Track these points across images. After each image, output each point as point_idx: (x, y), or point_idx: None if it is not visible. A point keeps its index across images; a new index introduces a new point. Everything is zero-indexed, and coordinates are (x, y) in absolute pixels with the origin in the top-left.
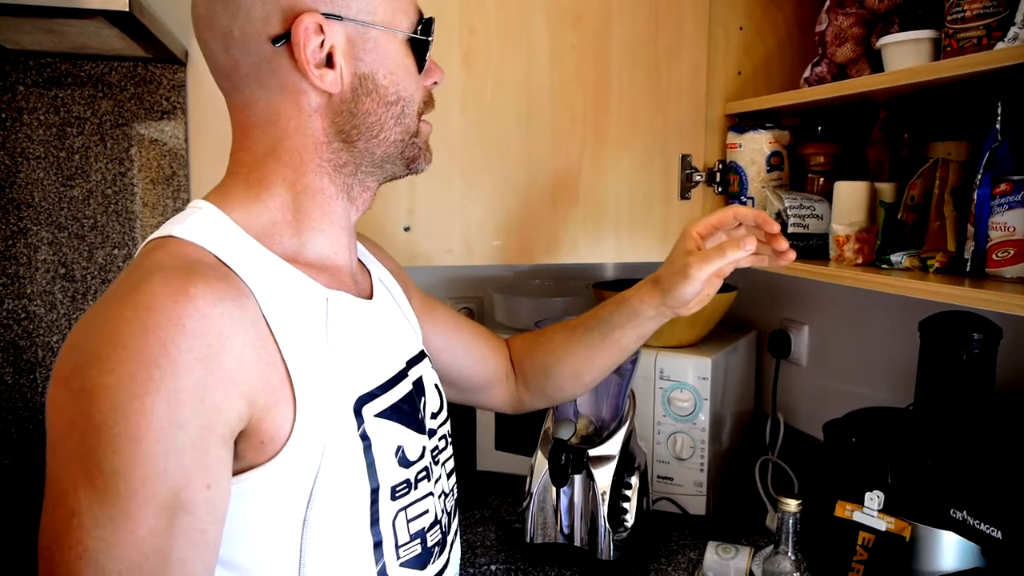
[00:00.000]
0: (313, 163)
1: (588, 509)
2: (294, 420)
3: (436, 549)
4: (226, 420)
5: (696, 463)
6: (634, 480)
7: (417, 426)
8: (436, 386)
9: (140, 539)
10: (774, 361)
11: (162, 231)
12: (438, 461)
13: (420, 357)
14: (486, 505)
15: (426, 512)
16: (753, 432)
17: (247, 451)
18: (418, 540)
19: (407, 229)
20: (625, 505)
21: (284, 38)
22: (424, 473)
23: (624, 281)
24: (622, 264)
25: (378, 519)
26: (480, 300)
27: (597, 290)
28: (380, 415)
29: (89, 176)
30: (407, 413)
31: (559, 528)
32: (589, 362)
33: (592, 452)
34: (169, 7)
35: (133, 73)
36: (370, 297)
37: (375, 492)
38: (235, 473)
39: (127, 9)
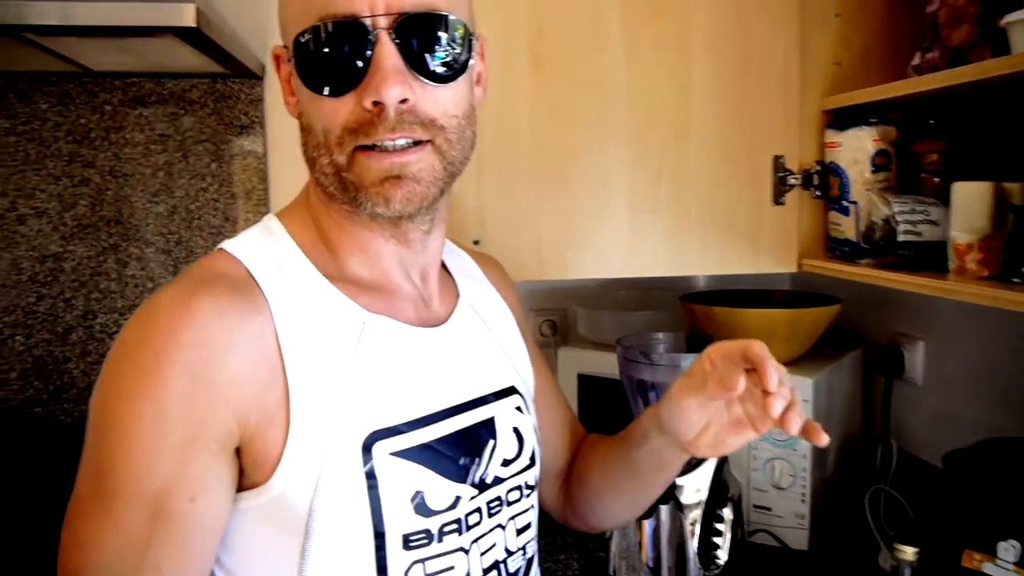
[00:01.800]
0: (314, 186)
1: (676, 542)
2: (284, 444)
3: None
4: (213, 434)
5: (797, 492)
6: (727, 512)
7: (454, 472)
8: (517, 430)
9: (121, 535)
10: (884, 380)
11: (222, 244)
12: (495, 514)
13: (505, 393)
14: (569, 530)
15: (451, 568)
16: (862, 459)
17: (247, 468)
18: None
19: (476, 242)
20: (717, 540)
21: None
22: (455, 526)
23: (716, 293)
24: (710, 276)
25: (386, 567)
26: (563, 312)
27: (685, 303)
28: (398, 454)
29: (173, 192)
30: (442, 456)
31: (644, 561)
32: (616, 494)
33: (680, 480)
34: (243, 21)
35: (212, 89)
36: (441, 324)
37: (380, 537)
38: (238, 489)
39: (195, 25)
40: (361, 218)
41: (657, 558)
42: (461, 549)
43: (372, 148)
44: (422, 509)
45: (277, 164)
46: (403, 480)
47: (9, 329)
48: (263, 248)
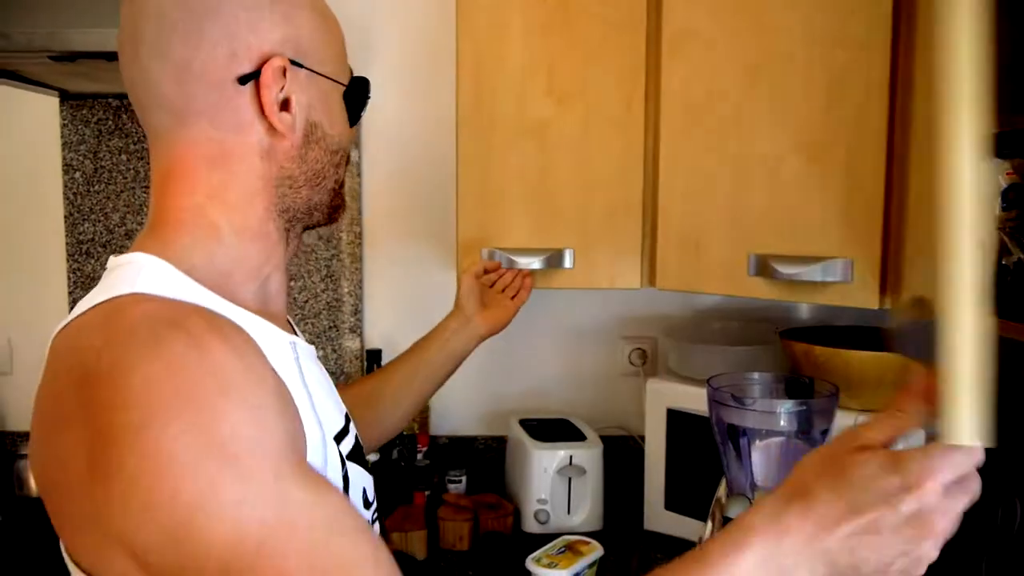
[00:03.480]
0: (261, 207)
1: None
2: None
3: None
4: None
5: None
6: None
7: (365, 463)
8: None
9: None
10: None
11: (114, 291)
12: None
13: None
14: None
15: None
16: (980, 517)
17: None
18: None
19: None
20: None
21: (251, 78)
22: (377, 513)
23: (818, 329)
24: (818, 307)
25: None
26: (653, 340)
27: (785, 340)
28: (349, 456)
29: None
30: (361, 453)
31: None
32: (407, 386)
33: None
34: None
35: None
36: None
37: None
38: None
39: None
40: (290, 240)
41: None
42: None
43: None
44: (366, 502)
45: (369, 181)
46: (357, 478)
47: None
48: (181, 287)
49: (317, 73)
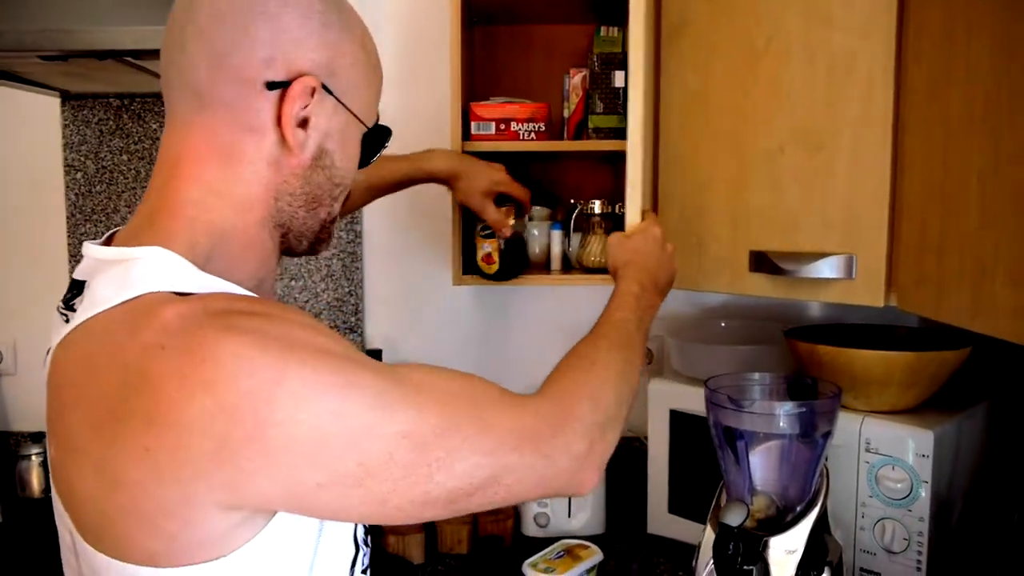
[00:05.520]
0: (258, 214)
1: None
2: None
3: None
4: None
5: (911, 559)
6: None
7: None
8: None
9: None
10: None
11: (136, 288)
12: None
13: None
14: None
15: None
16: (995, 526)
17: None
18: (368, 548)
19: None
20: None
21: (280, 86)
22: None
23: (826, 327)
24: (829, 306)
25: (356, 530)
26: (660, 340)
27: (790, 340)
28: None
29: None
30: None
31: None
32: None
33: (772, 540)
34: None
35: None
36: None
37: (356, 543)
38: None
39: None
40: (276, 246)
41: None
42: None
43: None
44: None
45: None
46: None
47: None
48: (199, 280)
49: (343, 106)
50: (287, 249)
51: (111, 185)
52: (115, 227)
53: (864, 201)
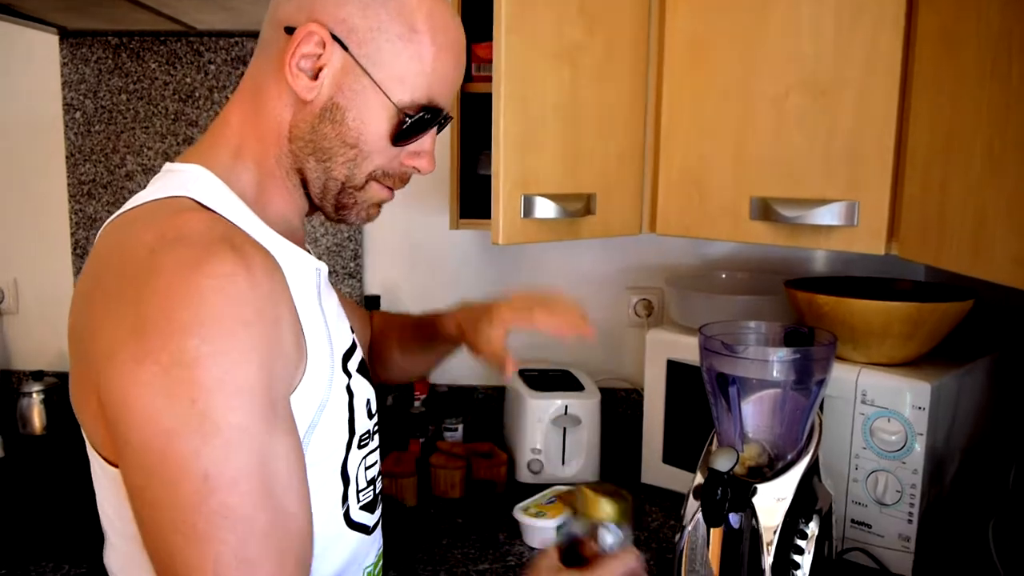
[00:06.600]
0: (275, 150)
1: (750, 556)
2: (300, 380)
3: (380, 495)
4: (286, 392)
5: (903, 511)
6: (811, 527)
7: (372, 379)
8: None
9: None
10: None
11: (165, 191)
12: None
13: None
14: (645, 525)
15: (376, 462)
16: (989, 481)
17: None
18: (371, 487)
19: None
20: (797, 558)
21: (291, 31)
22: (377, 425)
23: (828, 279)
24: (833, 258)
25: (347, 466)
26: (660, 292)
27: (789, 289)
28: (358, 370)
29: None
30: (366, 367)
31: (715, 573)
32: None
33: (760, 487)
34: None
35: None
36: None
37: (349, 442)
38: None
39: None
40: (301, 193)
41: (729, 569)
42: (378, 446)
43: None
44: (370, 412)
45: None
46: (362, 390)
47: None
48: (227, 202)
49: (361, 68)
50: (316, 206)
51: (110, 124)
52: (114, 167)
53: (868, 148)
